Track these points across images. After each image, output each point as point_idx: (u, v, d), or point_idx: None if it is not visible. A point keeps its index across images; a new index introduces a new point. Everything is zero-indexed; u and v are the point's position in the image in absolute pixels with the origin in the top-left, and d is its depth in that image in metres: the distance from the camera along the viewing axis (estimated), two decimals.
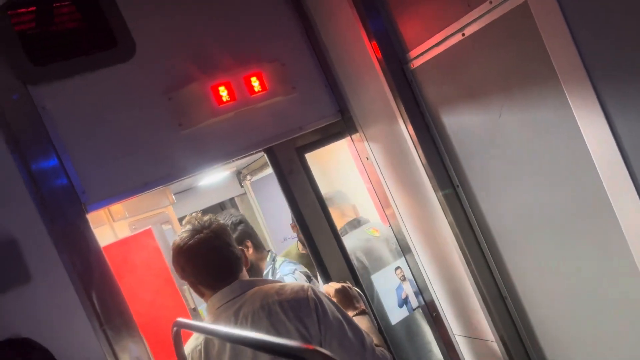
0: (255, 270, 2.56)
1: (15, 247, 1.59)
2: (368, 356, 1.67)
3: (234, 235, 2.34)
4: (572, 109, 1.42)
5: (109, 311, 1.72)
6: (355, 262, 2.39)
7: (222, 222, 1.82)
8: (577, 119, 1.42)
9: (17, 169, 1.67)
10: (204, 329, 0.96)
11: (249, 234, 2.65)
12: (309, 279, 2.65)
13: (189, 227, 1.76)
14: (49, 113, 1.77)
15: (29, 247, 1.62)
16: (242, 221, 2.68)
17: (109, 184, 1.83)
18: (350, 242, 2.50)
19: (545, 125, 1.54)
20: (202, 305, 3.38)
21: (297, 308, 1.63)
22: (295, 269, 2.66)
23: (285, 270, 2.66)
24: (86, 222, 1.74)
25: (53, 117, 1.77)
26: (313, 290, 1.70)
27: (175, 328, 1.07)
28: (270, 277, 2.70)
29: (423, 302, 2.37)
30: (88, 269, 1.71)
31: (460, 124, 1.84)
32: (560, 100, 1.45)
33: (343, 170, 3.19)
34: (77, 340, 1.66)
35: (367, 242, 2.52)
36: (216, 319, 1.65)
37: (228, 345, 1.55)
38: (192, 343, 1.67)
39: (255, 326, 1.60)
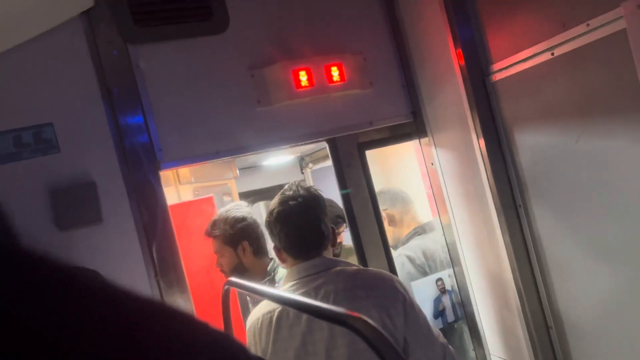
0: (250, 275, 2.26)
1: (94, 189, 1.73)
2: (447, 354, 1.60)
3: (230, 232, 2.23)
4: None
5: (165, 264, 1.84)
6: (417, 264, 2.39)
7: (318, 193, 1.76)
8: None
9: (105, 119, 1.81)
10: (254, 289, 1.01)
11: (248, 235, 2.30)
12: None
13: (287, 192, 1.73)
14: (142, 72, 1.89)
15: (105, 192, 1.76)
16: (245, 218, 2.33)
17: (184, 146, 1.93)
18: (421, 243, 2.49)
19: (624, 158, 1.49)
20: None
21: (383, 296, 1.57)
22: None
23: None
24: (158, 178, 1.86)
25: (145, 77, 1.89)
26: (400, 282, 1.65)
27: (226, 287, 1.13)
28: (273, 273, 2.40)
29: (463, 316, 2.35)
30: (153, 222, 1.82)
31: (534, 143, 1.81)
32: None
33: (403, 172, 3.19)
34: (131, 285, 1.77)
35: (437, 246, 2.49)
36: (294, 291, 1.60)
37: (304, 317, 1.50)
38: (263, 309, 1.60)
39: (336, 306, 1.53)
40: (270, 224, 1.72)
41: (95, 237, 1.72)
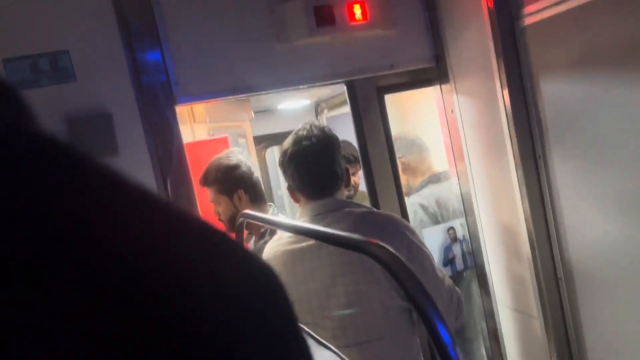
0: (247, 227, 2.26)
1: (109, 121, 1.72)
2: (454, 295, 1.62)
3: (224, 181, 2.17)
4: None
5: (179, 200, 1.85)
6: (430, 212, 2.40)
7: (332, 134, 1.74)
8: None
9: (122, 51, 1.77)
10: (268, 220, 1.01)
11: (243, 182, 2.23)
12: None
13: (301, 132, 1.70)
14: (160, 5, 1.84)
15: (121, 124, 1.75)
16: (238, 166, 2.24)
17: (201, 82, 1.90)
18: (435, 191, 2.49)
19: None
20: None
21: (388, 237, 1.50)
22: None
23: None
24: (174, 112, 1.84)
25: (162, 10, 1.84)
26: (407, 224, 1.67)
27: (240, 219, 1.13)
28: (267, 237, 2.24)
29: (473, 265, 2.37)
30: (168, 156, 1.82)
31: (560, 93, 1.75)
32: None
33: (421, 119, 3.13)
34: None
35: (451, 195, 2.48)
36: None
37: (308, 258, 1.54)
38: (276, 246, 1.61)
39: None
40: (283, 164, 1.71)
41: None
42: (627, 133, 1.53)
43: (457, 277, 2.46)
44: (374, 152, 2.25)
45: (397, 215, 1.75)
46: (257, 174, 2.34)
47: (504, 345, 2.28)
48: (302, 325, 0.98)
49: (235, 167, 2.24)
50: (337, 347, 1.59)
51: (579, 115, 1.69)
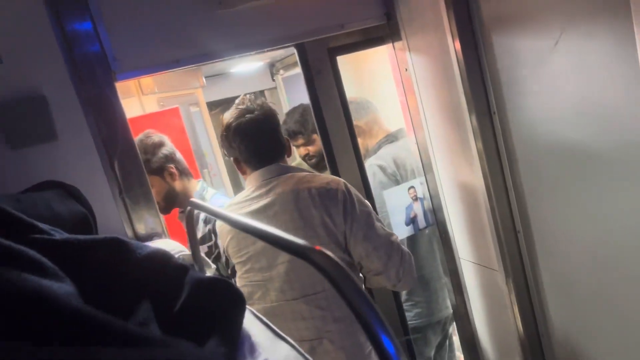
0: (181, 199, 2.24)
1: (44, 104, 1.61)
2: (394, 251, 1.73)
3: (154, 160, 2.17)
4: (638, 48, 1.30)
5: (130, 180, 1.77)
6: (389, 173, 2.40)
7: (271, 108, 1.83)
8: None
9: (51, 27, 1.64)
10: (216, 212, 0.97)
11: (172, 158, 2.23)
12: None
13: (241, 106, 1.79)
14: None
15: (58, 107, 1.63)
16: (163, 142, 2.24)
17: (141, 55, 1.79)
18: (392, 151, 2.48)
19: (604, 62, 1.43)
20: (221, 189, 3.47)
21: (325, 196, 1.70)
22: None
23: (219, 202, 2.29)
24: (114, 90, 1.73)
25: None
26: (345, 184, 1.76)
27: (189, 207, 1.09)
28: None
29: (434, 222, 2.39)
30: (113, 137, 1.73)
31: (512, 47, 1.73)
32: (626, 35, 1.33)
33: (377, 78, 3.08)
34: (96, 205, 1.70)
35: (407, 153, 2.49)
36: (250, 198, 1.77)
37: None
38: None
39: (282, 206, 1.70)
40: (228, 138, 1.79)
41: (51, 155, 1.63)
42: (578, 86, 1.53)
43: (419, 235, 2.49)
44: (329, 116, 2.20)
45: (336, 177, 1.84)
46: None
47: (467, 297, 2.34)
48: (261, 317, 0.96)
49: (160, 144, 2.22)
50: (285, 300, 1.65)
51: (531, 68, 1.68)
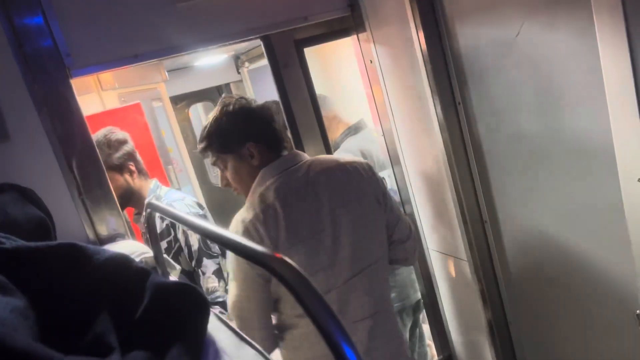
0: (137, 198, 2.23)
1: None
2: (403, 225, 1.88)
3: (117, 157, 2.14)
4: (598, 39, 1.32)
5: (89, 181, 1.71)
6: None
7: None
8: (600, 50, 1.32)
9: None
10: (175, 215, 0.93)
11: (133, 157, 2.23)
12: (200, 207, 2.31)
13: (233, 99, 1.75)
14: None
15: (9, 106, 1.56)
16: (126, 140, 2.22)
17: (97, 51, 1.72)
18: (358, 143, 2.48)
19: (565, 52, 1.44)
20: (187, 187, 3.40)
21: (363, 171, 1.78)
22: (185, 197, 2.30)
23: (174, 197, 2.27)
24: (69, 87, 1.66)
25: None
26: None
27: (149, 210, 1.05)
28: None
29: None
30: (70, 136, 1.66)
31: (475, 38, 1.73)
32: (586, 27, 1.34)
33: (343, 71, 3.07)
34: (55, 207, 1.62)
35: (372, 144, 2.50)
36: (281, 182, 1.67)
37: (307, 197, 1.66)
38: (260, 205, 1.63)
39: (331, 180, 1.70)
40: (237, 124, 1.70)
41: (3, 156, 1.56)
42: (539, 77, 1.54)
43: None
44: (298, 109, 2.18)
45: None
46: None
47: (437, 287, 2.36)
48: (226, 321, 0.94)
49: (124, 141, 2.20)
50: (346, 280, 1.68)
51: (494, 59, 1.69)
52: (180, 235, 2.18)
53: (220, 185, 1.87)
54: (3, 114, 1.55)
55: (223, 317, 0.95)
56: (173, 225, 2.15)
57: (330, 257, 1.67)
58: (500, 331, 2.08)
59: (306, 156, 1.80)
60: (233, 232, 1.55)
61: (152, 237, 1.10)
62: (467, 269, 2.05)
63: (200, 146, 1.76)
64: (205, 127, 1.75)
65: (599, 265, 1.59)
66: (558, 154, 1.58)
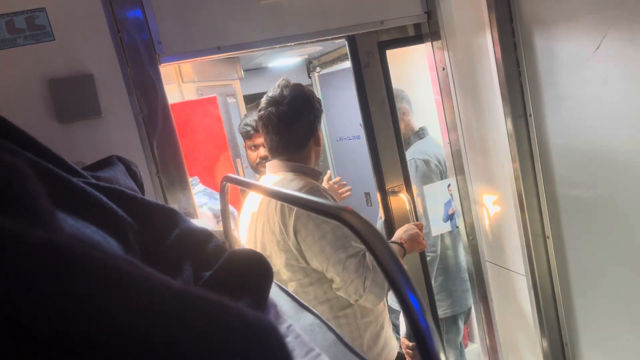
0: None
1: (91, 82, 1.68)
2: (349, 265, 1.58)
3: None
4: None
5: (166, 161, 1.83)
6: (433, 166, 2.44)
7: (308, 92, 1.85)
8: None
9: (102, 7, 1.71)
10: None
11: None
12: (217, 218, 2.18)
13: (273, 93, 1.84)
14: None
15: (103, 84, 1.70)
16: None
17: (184, 41, 1.85)
18: (429, 147, 2.53)
19: None
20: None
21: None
22: (205, 204, 2.20)
23: (201, 201, 2.18)
24: (158, 72, 1.79)
25: None
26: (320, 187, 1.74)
27: (224, 182, 1.12)
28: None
29: (463, 224, 2.38)
30: (154, 117, 1.79)
31: (552, 49, 1.71)
32: None
33: (412, 76, 3.09)
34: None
35: (440, 150, 2.54)
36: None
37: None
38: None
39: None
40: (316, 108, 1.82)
41: (95, 131, 1.70)
42: (619, 91, 1.51)
43: (456, 232, 2.51)
44: (375, 107, 2.25)
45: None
46: None
47: (491, 300, 2.32)
48: (288, 290, 0.99)
49: None
50: None
51: (571, 73, 1.66)
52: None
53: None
54: (97, 92, 1.70)
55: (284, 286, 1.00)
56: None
57: None
58: (555, 352, 2.02)
59: (294, 167, 1.83)
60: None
61: (224, 210, 1.18)
62: (524, 283, 2.01)
63: None
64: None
65: None
66: (635, 176, 1.53)
